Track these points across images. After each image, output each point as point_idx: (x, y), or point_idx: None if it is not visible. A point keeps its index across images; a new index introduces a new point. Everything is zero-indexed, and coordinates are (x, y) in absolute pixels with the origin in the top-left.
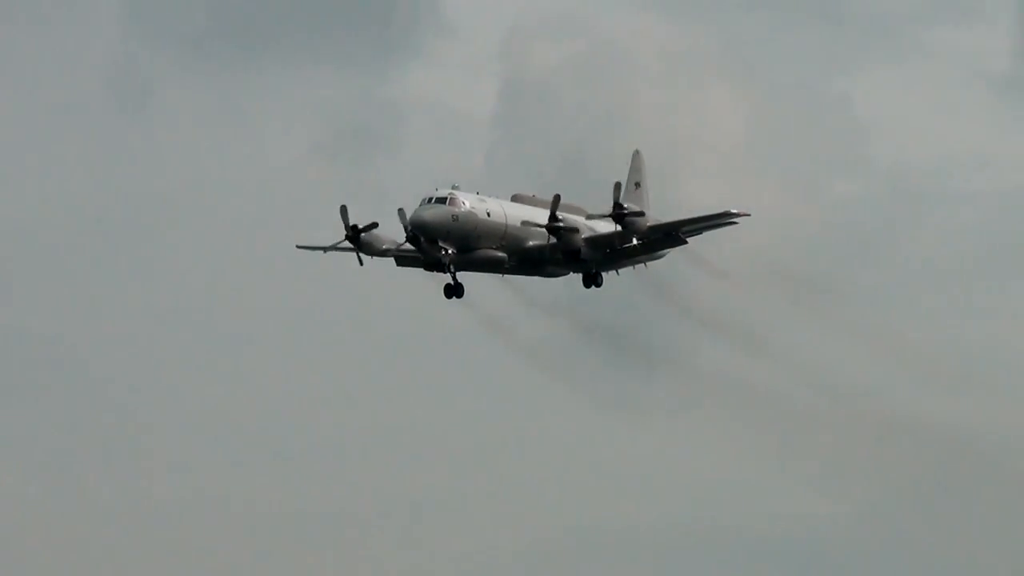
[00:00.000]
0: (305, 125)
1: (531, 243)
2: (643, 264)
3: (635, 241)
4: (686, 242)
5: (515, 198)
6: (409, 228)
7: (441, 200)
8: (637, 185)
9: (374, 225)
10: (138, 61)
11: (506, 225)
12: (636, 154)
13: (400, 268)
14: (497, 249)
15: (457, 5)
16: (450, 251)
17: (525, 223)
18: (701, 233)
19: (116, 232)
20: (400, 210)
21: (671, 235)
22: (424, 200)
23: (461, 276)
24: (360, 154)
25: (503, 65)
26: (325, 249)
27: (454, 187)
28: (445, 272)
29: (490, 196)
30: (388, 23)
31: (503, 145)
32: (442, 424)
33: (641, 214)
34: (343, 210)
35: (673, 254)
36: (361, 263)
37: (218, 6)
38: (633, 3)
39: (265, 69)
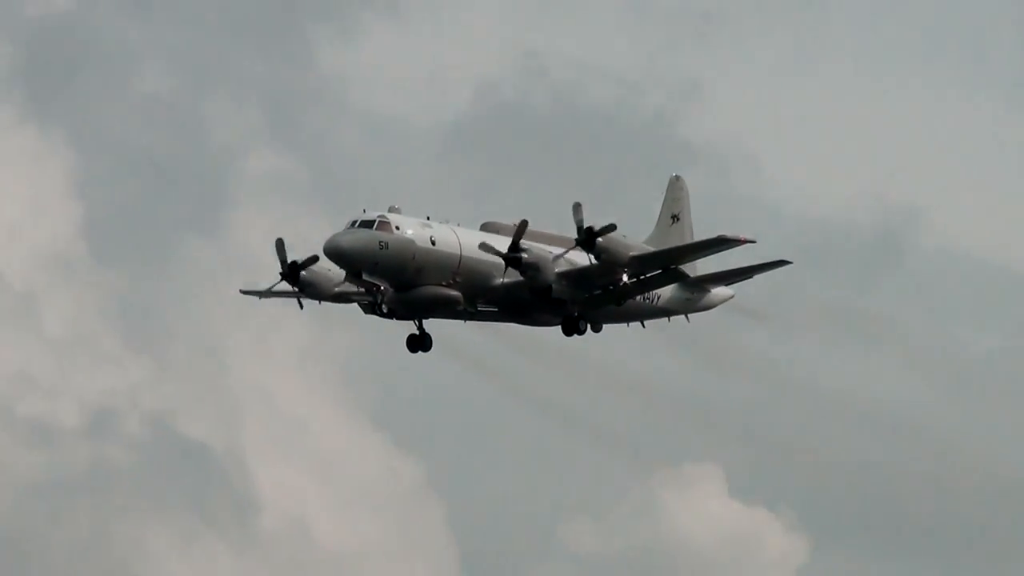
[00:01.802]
0: None
1: (496, 281)
2: (684, 317)
3: (626, 278)
4: (686, 277)
5: (485, 227)
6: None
7: (367, 224)
8: (675, 218)
9: (313, 259)
10: None
11: (460, 256)
12: (675, 180)
13: (368, 316)
14: (449, 287)
15: None
16: (383, 288)
17: (484, 246)
18: (750, 277)
19: None
20: None
21: (669, 270)
22: (348, 224)
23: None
24: None
25: None
26: (261, 295)
27: (391, 208)
28: (379, 314)
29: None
30: None
31: None
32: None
33: (610, 234)
34: (279, 244)
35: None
36: (260, 297)
37: None
38: None
39: None
